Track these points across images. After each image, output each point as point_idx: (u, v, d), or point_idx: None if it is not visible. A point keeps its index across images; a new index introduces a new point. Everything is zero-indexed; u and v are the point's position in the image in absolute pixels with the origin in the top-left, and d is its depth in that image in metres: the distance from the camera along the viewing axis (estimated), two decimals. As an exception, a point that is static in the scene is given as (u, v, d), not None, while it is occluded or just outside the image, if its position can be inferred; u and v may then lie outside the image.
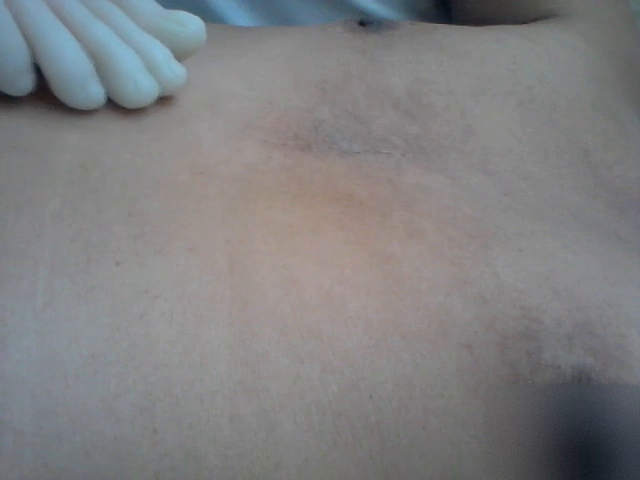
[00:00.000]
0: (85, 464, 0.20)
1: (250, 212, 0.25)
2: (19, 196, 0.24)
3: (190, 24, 0.30)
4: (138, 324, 0.22)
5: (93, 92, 0.28)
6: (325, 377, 0.22)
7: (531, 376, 0.22)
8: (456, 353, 0.22)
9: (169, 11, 0.30)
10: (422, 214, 0.26)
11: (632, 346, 0.22)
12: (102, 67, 0.28)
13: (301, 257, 0.24)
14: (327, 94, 0.31)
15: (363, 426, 0.22)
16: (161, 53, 0.29)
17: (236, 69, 0.33)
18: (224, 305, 0.23)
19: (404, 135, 0.30)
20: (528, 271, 0.24)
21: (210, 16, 0.46)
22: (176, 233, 0.24)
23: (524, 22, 0.40)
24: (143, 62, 0.28)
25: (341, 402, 0.22)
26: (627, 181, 0.31)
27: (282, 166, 0.28)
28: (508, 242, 0.25)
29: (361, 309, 0.23)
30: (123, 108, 0.29)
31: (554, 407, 0.21)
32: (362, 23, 0.35)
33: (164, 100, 0.30)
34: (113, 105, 0.29)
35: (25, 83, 0.27)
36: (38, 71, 0.27)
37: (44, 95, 0.28)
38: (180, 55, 0.30)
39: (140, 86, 0.28)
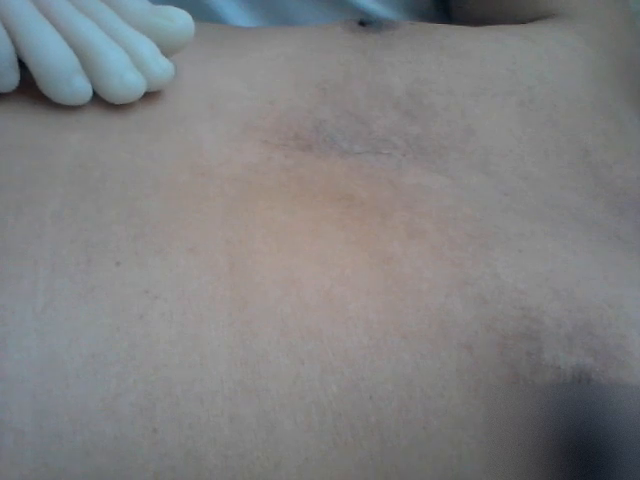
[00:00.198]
0: (85, 464, 0.20)
1: (250, 212, 0.25)
2: (19, 195, 0.24)
3: (178, 19, 0.30)
4: (138, 324, 0.22)
5: (78, 87, 0.27)
6: (325, 377, 0.22)
7: (531, 376, 0.22)
8: (456, 353, 0.22)
9: (156, 6, 0.30)
10: (423, 214, 0.26)
11: (632, 346, 0.22)
12: (88, 63, 0.28)
13: (301, 257, 0.24)
14: (328, 94, 0.31)
15: (363, 426, 0.22)
16: (148, 48, 0.29)
17: (236, 69, 0.33)
18: (224, 305, 0.23)
19: (405, 135, 0.30)
20: (528, 271, 0.24)
21: (210, 16, 0.46)
22: (176, 233, 0.24)
23: (523, 22, 0.40)
24: (130, 58, 0.28)
25: (341, 402, 0.22)
26: (627, 181, 0.31)
27: (283, 166, 0.28)
28: (508, 242, 0.25)
29: (361, 309, 0.23)
30: (123, 108, 0.29)
31: (554, 407, 0.21)
32: (362, 23, 0.35)
33: (164, 100, 0.30)
34: (113, 105, 0.29)
35: (10, 79, 0.27)
36: (24, 67, 0.27)
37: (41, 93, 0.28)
38: (169, 50, 0.30)
39: (126, 81, 0.28)
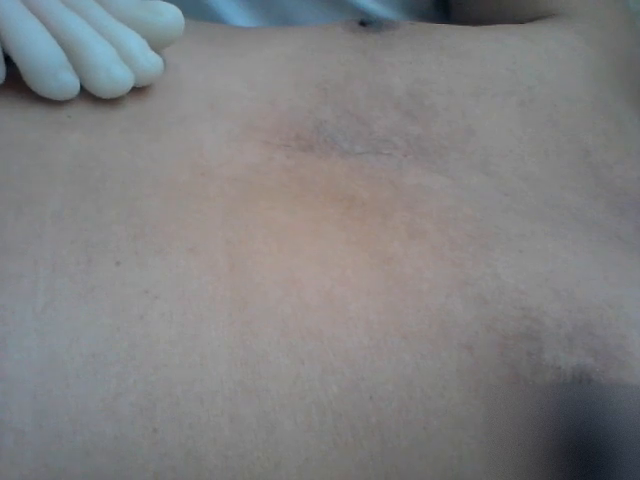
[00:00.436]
0: (85, 464, 0.20)
1: (251, 213, 0.25)
2: (18, 195, 0.24)
3: (166, 13, 0.30)
4: (138, 324, 0.22)
5: (65, 81, 0.27)
6: (325, 378, 0.22)
7: (531, 377, 0.22)
8: (457, 354, 0.22)
9: (145, 1, 0.30)
10: (423, 215, 0.26)
11: (632, 347, 0.22)
12: (75, 57, 0.28)
13: (302, 258, 0.24)
14: (328, 94, 0.31)
15: (364, 427, 0.22)
16: (136, 43, 0.29)
17: (237, 69, 0.33)
18: (224, 305, 0.23)
19: (405, 136, 0.30)
20: (528, 272, 0.24)
21: (210, 16, 0.46)
22: (176, 233, 0.24)
23: (523, 22, 0.40)
24: (117, 52, 0.28)
25: (341, 403, 0.22)
26: (628, 181, 0.31)
27: (284, 167, 0.28)
28: (509, 243, 0.25)
29: (362, 310, 0.23)
30: (123, 107, 0.29)
31: (554, 408, 0.21)
32: (362, 23, 0.35)
33: (164, 100, 0.30)
34: (114, 105, 0.29)
35: None
36: (10, 63, 0.27)
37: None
38: (158, 45, 0.30)
39: (113, 76, 0.28)
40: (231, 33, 0.37)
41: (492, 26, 0.37)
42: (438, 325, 0.23)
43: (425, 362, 0.22)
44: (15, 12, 0.27)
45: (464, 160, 0.30)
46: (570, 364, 0.22)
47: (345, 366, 0.22)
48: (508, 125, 0.31)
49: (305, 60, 0.33)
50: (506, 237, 0.25)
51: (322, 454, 0.22)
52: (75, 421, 0.21)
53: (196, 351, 0.22)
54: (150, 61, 0.29)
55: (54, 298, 0.22)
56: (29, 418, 0.20)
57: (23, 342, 0.21)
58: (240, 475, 0.21)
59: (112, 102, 0.29)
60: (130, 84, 0.28)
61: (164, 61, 0.31)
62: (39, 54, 0.27)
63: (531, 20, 0.40)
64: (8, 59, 0.28)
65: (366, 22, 0.35)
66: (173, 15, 0.30)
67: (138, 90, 0.30)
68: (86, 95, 0.29)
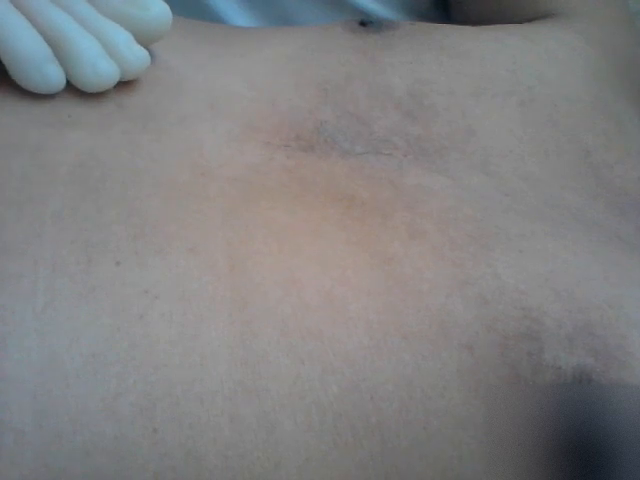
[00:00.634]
0: (85, 464, 0.20)
1: (251, 213, 0.25)
2: (19, 195, 0.24)
3: (153, 7, 0.30)
4: (138, 324, 0.22)
5: (50, 74, 0.27)
6: (326, 378, 0.22)
7: (532, 377, 0.22)
8: (457, 354, 0.22)
9: None
10: (423, 215, 0.26)
11: (633, 347, 0.22)
12: (60, 52, 0.28)
13: (302, 258, 0.24)
14: (329, 95, 0.31)
15: (364, 427, 0.22)
16: (121, 37, 0.29)
17: (237, 69, 0.33)
18: (224, 305, 0.23)
19: (406, 136, 0.30)
20: (529, 272, 0.24)
21: (210, 16, 0.46)
22: (176, 233, 0.24)
23: (522, 22, 0.40)
24: (103, 46, 0.28)
25: (342, 403, 0.22)
26: (628, 181, 0.31)
27: (284, 167, 0.28)
28: (509, 243, 0.25)
29: (362, 310, 0.23)
30: (124, 108, 0.29)
31: (555, 408, 0.21)
32: (363, 23, 0.35)
33: (165, 100, 0.30)
34: (114, 104, 0.29)
35: None
36: None
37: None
38: (145, 40, 0.30)
39: (99, 70, 0.28)
40: (231, 33, 0.37)
41: (492, 26, 0.37)
42: (438, 325, 0.23)
43: (425, 362, 0.22)
44: (0, 7, 0.27)
45: (464, 160, 0.30)
46: (570, 364, 0.22)
47: (345, 366, 0.22)
48: (508, 125, 0.31)
49: (305, 60, 0.33)
50: (506, 237, 0.25)
51: (322, 454, 0.22)
52: (75, 421, 0.21)
53: (196, 351, 0.22)
54: (136, 55, 0.29)
55: (54, 298, 0.22)
56: (29, 418, 0.20)
57: (23, 342, 0.21)
58: (240, 475, 0.21)
59: (112, 102, 0.29)
60: (116, 78, 0.29)
61: (159, 58, 0.31)
62: (23, 47, 0.27)
63: (530, 20, 0.40)
64: None
65: (366, 22, 0.35)
66: (160, 9, 0.30)
67: (139, 90, 0.30)
68: (87, 94, 0.29)
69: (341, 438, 0.22)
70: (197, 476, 0.21)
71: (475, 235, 0.25)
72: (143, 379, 0.21)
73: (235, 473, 0.21)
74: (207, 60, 0.33)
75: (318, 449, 0.22)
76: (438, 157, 0.29)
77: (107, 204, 0.25)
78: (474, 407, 0.22)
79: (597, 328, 0.22)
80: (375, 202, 0.26)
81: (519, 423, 0.22)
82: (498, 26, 0.37)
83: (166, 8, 0.30)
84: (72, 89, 0.28)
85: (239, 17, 0.46)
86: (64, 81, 0.28)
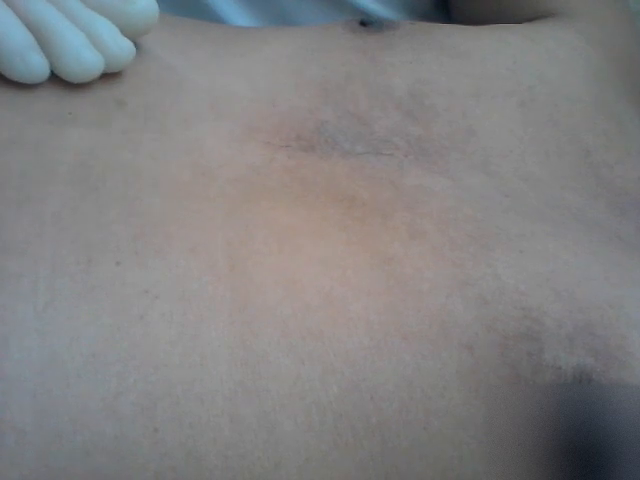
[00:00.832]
0: (85, 463, 0.20)
1: (252, 213, 0.25)
2: (18, 194, 0.24)
3: (139, 1, 0.30)
4: (138, 324, 0.22)
5: (33, 63, 0.27)
6: (326, 378, 0.22)
7: (532, 377, 0.22)
8: (457, 354, 0.22)
9: None
10: (424, 215, 0.26)
11: (633, 347, 0.22)
12: (45, 43, 0.28)
13: (302, 258, 0.24)
14: (329, 95, 0.31)
15: (364, 427, 0.22)
16: (106, 29, 0.29)
17: (238, 69, 0.33)
18: (224, 306, 0.23)
19: (406, 136, 0.30)
20: (529, 272, 0.24)
21: (210, 16, 0.46)
22: (177, 233, 0.24)
23: (522, 22, 0.40)
24: (88, 38, 0.28)
25: (342, 403, 0.22)
26: (628, 181, 0.31)
27: (285, 167, 0.28)
28: (509, 243, 0.25)
29: (362, 310, 0.23)
30: (125, 107, 0.28)
31: (555, 408, 0.21)
32: (363, 23, 0.35)
33: (166, 100, 0.30)
34: (115, 102, 0.29)
35: None
36: None
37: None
38: (131, 33, 0.30)
39: (82, 60, 0.28)
40: (231, 33, 0.37)
41: (493, 25, 0.37)
42: (438, 325, 0.23)
43: (425, 362, 0.22)
44: None
45: (465, 160, 0.30)
46: (571, 364, 0.22)
47: (345, 366, 0.22)
48: (509, 125, 0.31)
49: (305, 60, 0.33)
50: (506, 237, 0.25)
51: (322, 454, 0.22)
52: (75, 421, 0.21)
53: (196, 351, 0.22)
54: (121, 46, 0.29)
55: (54, 298, 0.22)
56: (29, 418, 0.20)
57: (23, 342, 0.21)
58: (240, 475, 0.21)
59: (113, 100, 0.29)
60: (100, 69, 0.29)
61: (159, 58, 0.31)
62: (7, 37, 0.27)
63: (531, 20, 0.40)
64: None
65: (366, 22, 0.35)
66: (146, 3, 0.30)
67: (140, 89, 0.30)
68: (87, 93, 0.29)
69: (341, 438, 0.22)
70: (197, 476, 0.21)
71: (475, 235, 0.25)
72: (143, 379, 0.21)
73: (235, 473, 0.21)
74: (207, 60, 0.33)
75: (318, 449, 0.22)
76: (438, 157, 0.29)
77: (107, 204, 0.25)
78: (474, 407, 0.22)
79: (597, 328, 0.22)
80: (375, 202, 0.26)
81: (519, 423, 0.22)
82: (499, 26, 0.37)
83: (152, 2, 0.30)
84: (74, 87, 0.29)
85: (239, 17, 0.46)
86: (48, 71, 0.28)
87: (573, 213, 0.28)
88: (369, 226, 0.25)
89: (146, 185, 0.25)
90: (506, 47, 0.34)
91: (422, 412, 0.22)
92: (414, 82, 0.32)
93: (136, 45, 0.30)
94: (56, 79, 0.28)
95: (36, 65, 0.28)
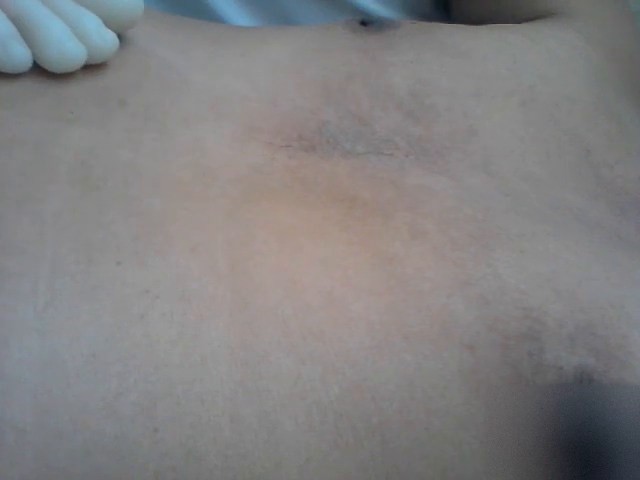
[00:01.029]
0: (86, 463, 0.20)
1: (253, 213, 0.25)
2: (19, 193, 0.24)
3: None
4: (139, 324, 0.22)
5: (16, 53, 0.28)
6: (327, 378, 0.22)
7: (533, 377, 0.22)
8: (458, 354, 0.22)
9: None
10: (425, 215, 0.26)
11: (634, 347, 0.22)
12: (27, 33, 0.28)
13: (303, 258, 0.24)
14: (330, 95, 0.31)
15: (365, 427, 0.22)
16: (90, 20, 0.29)
17: (238, 69, 0.33)
18: (225, 306, 0.23)
19: (407, 136, 0.30)
20: (530, 272, 0.24)
21: (210, 16, 0.46)
22: (177, 233, 0.24)
23: (522, 22, 0.40)
24: (71, 29, 0.29)
25: (343, 403, 0.22)
26: (628, 181, 0.31)
27: (286, 167, 0.28)
28: (510, 243, 0.25)
29: (363, 310, 0.23)
30: (126, 106, 0.28)
31: (556, 408, 0.21)
32: (364, 23, 0.35)
33: (167, 99, 0.30)
34: (116, 101, 0.29)
35: None
36: None
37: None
38: (116, 26, 0.31)
39: (65, 50, 0.28)
40: (232, 32, 0.37)
41: (493, 25, 0.37)
42: (439, 325, 0.23)
43: (426, 362, 0.22)
44: None
45: (465, 160, 0.30)
46: (572, 364, 0.22)
47: (346, 366, 0.22)
48: (509, 125, 0.31)
49: (306, 60, 0.33)
50: (507, 237, 0.25)
51: (323, 454, 0.22)
52: (76, 420, 0.21)
53: (196, 351, 0.22)
54: (104, 38, 0.29)
55: (55, 297, 0.22)
56: (30, 417, 0.20)
57: (24, 341, 0.21)
58: (240, 475, 0.21)
59: (114, 100, 0.29)
60: (82, 59, 0.29)
61: (160, 58, 0.31)
62: None
63: (530, 20, 0.40)
64: None
65: (367, 22, 0.35)
66: None
67: (141, 89, 0.30)
68: (88, 91, 0.29)
69: (342, 438, 0.22)
70: (197, 476, 0.21)
71: (476, 235, 0.25)
72: (144, 379, 0.21)
73: (235, 473, 0.21)
74: (208, 60, 0.33)
75: (319, 449, 0.22)
76: (439, 157, 0.29)
77: (108, 203, 0.25)
78: (475, 407, 0.22)
79: (598, 328, 0.22)
80: (377, 202, 0.26)
81: (520, 423, 0.22)
82: (499, 25, 0.37)
83: None
84: (75, 85, 0.29)
85: (239, 17, 0.46)
86: (30, 61, 0.28)
87: (574, 213, 0.28)
88: (370, 226, 0.25)
89: (147, 185, 0.25)
90: (506, 47, 0.34)
91: (423, 412, 0.22)
92: (415, 82, 0.32)
93: (137, 45, 0.31)
94: (58, 78, 0.28)
95: (18, 55, 0.28)
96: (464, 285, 0.23)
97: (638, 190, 0.30)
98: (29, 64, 0.28)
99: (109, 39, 0.29)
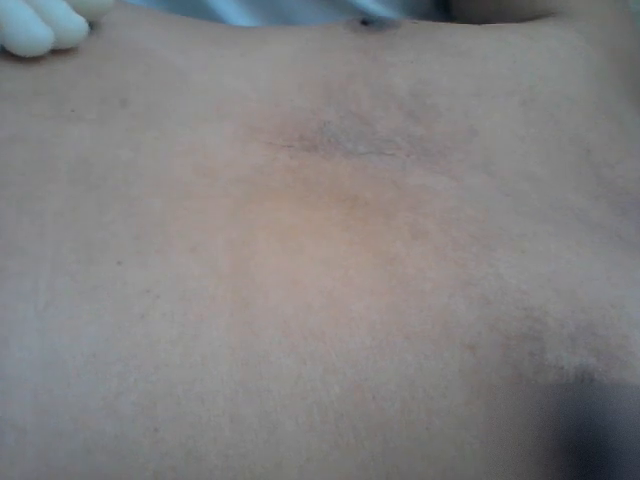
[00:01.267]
0: (86, 462, 0.20)
1: (254, 213, 0.25)
2: (20, 192, 0.24)
3: None
4: (139, 324, 0.22)
5: None
6: (327, 378, 0.22)
7: (534, 377, 0.22)
8: (459, 354, 0.22)
9: None
10: (426, 215, 0.26)
11: (635, 346, 0.22)
12: None
13: (304, 258, 0.24)
14: (332, 95, 0.31)
15: (365, 427, 0.22)
16: (57, 5, 0.29)
17: (239, 69, 0.33)
18: (225, 306, 0.23)
19: (408, 136, 0.30)
20: (531, 272, 0.24)
21: (210, 16, 0.46)
22: (178, 233, 0.24)
23: (522, 22, 0.40)
24: (39, 14, 0.29)
25: (343, 403, 0.22)
26: (629, 181, 0.31)
27: (288, 167, 0.28)
28: (511, 243, 0.25)
29: (364, 310, 0.23)
30: (128, 105, 0.28)
31: (556, 408, 0.21)
32: (364, 22, 0.35)
33: (168, 99, 0.29)
34: (118, 100, 0.29)
35: None
36: None
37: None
38: (86, 13, 0.31)
39: (31, 33, 0.28)
40: (232, 32, 0.36)
41: (493, 25, 0.37)
42: (441, 325, 0.23)
43: (428, 362, 0.22)
44: None
45: (467, 160, 0.30)
46: (573, 364, 0.22)
47: (347, 366, 0.22)
48: (510, 125, 0.31)
49: (307, 60, 0.33)
50: (508, 237, 0.25)
51: (323, 454, 0.22)
52: (76, 420, 0.21)
53: (197, 351, 0.22)
54: (73, 22, 0.30)
55: (55, 297, 0.22)
56: (30, 416, 0.20)
57: (24, 341, 0.21)
58: (241, 475, 0.21)
59: (116, 98, 0.29)
60: (49, 42, 0.29)
61: (161, 57, 0.31)
62: None
63: (530, 20, 0.40)
64: None
65: (368, 21, 0.35)
66: None
67: (142, 89, 0.30)
68: (90, 90, 0.29)
69: (343, 438, 0.22)
70: (197, 476, 0.21)
71: (477, 235, 0.25)
72: (144, 378, 0.21)
73: (236, 473, 0.21)
74: (209, 60, 0.33)
75: (319, 449, 0.22)
76: (441, 157, 0.29)
77: (108, 203, 0.24)
78: (476, 407, 0.22)
79: (599, 328, 0.22)
80: (378, 202, 0.26)
81: (521, 423, 0.22)
82: (499, 25, 0.37)
83: None
84: (77, 84, 0.29)
85: (239, 17, 0.46)
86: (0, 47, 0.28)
87: (575, 213, 0.28)
88: (372, 226, 0.25)
89: (147, 184, 0.25)
90: (507, 46, 0.34)
91: (424, 412, 0.22)
92: (416, 82, 0.32)
93: (137, 45, 0.30)
94: (59, 77, 0.28)
95: None
96: (465, 285, 0.23)
97: (639, 190, 0.30)
98: None
99: (77, 22, 0.30)
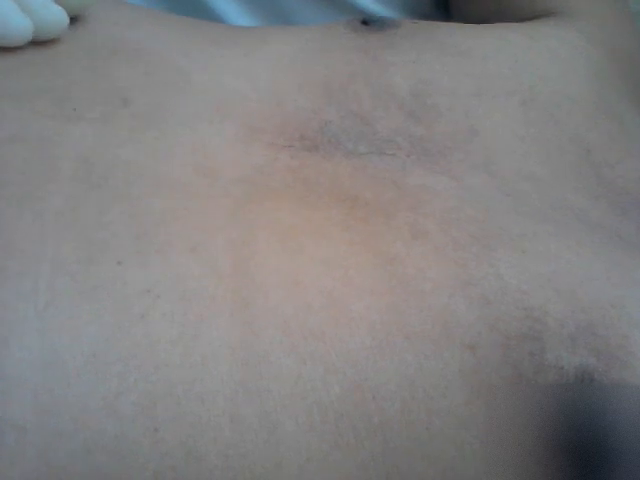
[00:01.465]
0: (86, 462, 0.20)
1: (255, 213, 0.25)
2: (20, 191, 0.24)
3: None
4: (139, 323, 0.22)
5: None
6: (327, 378, 0.22)
7: (534, 377, 0.22)
8: (459, 354, 0.22)
9: None
10: (426, 215, 0.26)
11: (635, 347, 0.22)
12: None
13: (305, 258, 0.24)
14: (332, 95, 0.31)
15: (365, 427, 0.22)
16: None
17: (240, 69, 0.33)
18: (226, 306, 0.23)
19: (409, 136, 0.30)
20: (531, 272, 0.24)
21: (210, 16, 0.46)
22: (178, 233, 0.24)
23: (522, 22, 0.40)
24: (18, 6, 0.29)
25: (343, 403, 0.22)
26: (629, 181, 0.31)
27: (288, 167, 0.28)
28: (511, 243, 0.25)
29: (364, 310, 0.23)
30: (129, 103, 0.28)
31: (556, 408, 0.21)
32: (365, 22, 0.35)
33: (170, 99, 0.29)
34: (120, 99, 0.29)
35: None
36: None
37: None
38: (71, 7, 0.31)
39: (10, 25, 0.28)
40: (232, 33, 0.36)
41: (494, 24, 0.37)
42: (441, 325, 0.23)
43: (428, 362, 0.22)
44: None
45: (467, 160, 0.30)
46: (573, 364, 0.22)
47: (347, 366, 0.22)
48: (510, 125, 0.31)
49: (308, 60, 0.33)
50: (509, 238, 0.25)
51: (323, 454, 0.22)
52: (76, 420, 0.21)
53: (197, 351, 0.22)
54: (53, 13, 0.30)
55: (55, 297, 0.22)
56: (30, 416, 0.20)
57: (24, 340, 0.21)
58: (241, 475, 0.21)
59: (118, 98, 0.29)
60: (29, 32, 0.29)
61: (162, 57, 0.31)
62: None
63: (530, 19, 0.40)
64: None
65: (368, 21, 0.35)
66: None
67: (144, 89, 0.30)
68: (91, 90, 0.29)
69: (343, 438, 0.22)
70: (197, 476, 0.21)
71: (478, 235, 0.25)
72: (144, 378, 0.21)
73: (236, 473, 0.21)
74: (209, 60, 0.33)
75: (319, 449, 0.22)
76: (441, 157, 0.29)
77: (109, 202, 0.24)
78: (476, 407, 0.22)
79: (599, 328, 0.22)
80: (378, 202, 0.26)
81: (521, 423, 0.22)
82: (499, 24, 0.37)
83: None
84: (78, 83, 0.28)
85: (239, 17, 0.46)
86: None
87: (575, 213, 0.28)
88: (372, 226, 0.25)
89: (148, 184, 0.25)
90: (507, 46, 0.34)
91: (424, 412, 0.22)
92: (416, 82, 0.32)
93: (138, 45, 0.30)
94: (59, 77, 0.28)
95: None
96: (465, 285, 0.23)
97: (639, 190, 0.30)
98: None
99: (57, 13, 0.30)
